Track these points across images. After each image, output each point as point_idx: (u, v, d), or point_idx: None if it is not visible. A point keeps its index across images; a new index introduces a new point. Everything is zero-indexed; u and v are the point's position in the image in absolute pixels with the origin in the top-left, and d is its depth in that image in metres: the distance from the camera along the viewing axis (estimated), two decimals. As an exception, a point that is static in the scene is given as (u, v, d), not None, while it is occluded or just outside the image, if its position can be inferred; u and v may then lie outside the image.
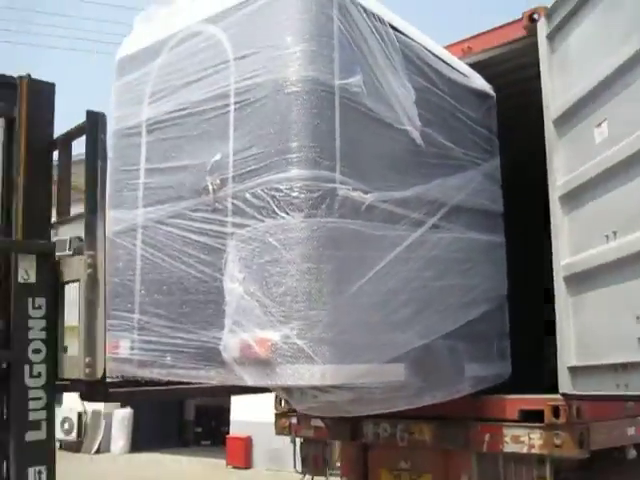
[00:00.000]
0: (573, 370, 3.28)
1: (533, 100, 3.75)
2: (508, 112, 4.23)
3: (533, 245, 4.90)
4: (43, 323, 2.42)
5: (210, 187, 2.95)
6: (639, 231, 2.77)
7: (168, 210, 3.15)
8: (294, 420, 4.51)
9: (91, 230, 2.43)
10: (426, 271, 3.28)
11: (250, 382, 2.70)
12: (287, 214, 2.71)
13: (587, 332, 3.22)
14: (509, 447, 3.50)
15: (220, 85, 3.03)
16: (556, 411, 3.35)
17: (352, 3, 3.04)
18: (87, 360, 2.34)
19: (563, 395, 3.33)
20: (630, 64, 2.86)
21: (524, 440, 3.46)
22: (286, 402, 4.06)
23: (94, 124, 2.49)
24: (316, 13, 2.89)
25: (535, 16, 3.80)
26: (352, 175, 2.89)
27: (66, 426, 12.32)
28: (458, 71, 3.83)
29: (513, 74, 4.25)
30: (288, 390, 2.82)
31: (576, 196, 3.34)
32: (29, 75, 2.58)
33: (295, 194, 2.71)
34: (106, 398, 2.57)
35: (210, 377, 2.84)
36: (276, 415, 4.66)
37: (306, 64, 2.83)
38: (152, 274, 3.16)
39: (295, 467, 4.67)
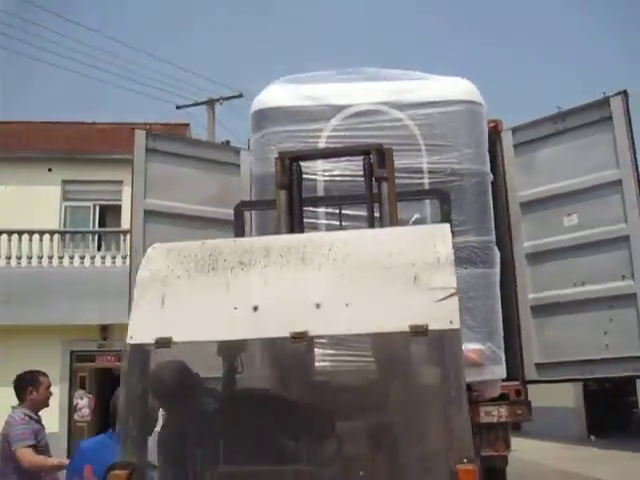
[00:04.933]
0: (538, 365, 5.18)
1: None
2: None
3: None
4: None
5: (415, 239, 3.97)
6: (601, 284, 4.85)
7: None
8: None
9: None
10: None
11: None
12: (484, 265, 4.00)
13: (549, 341, 5.16)
14: (484, 419, 5.22)
15: (412, 161, 4.07)
16: (518, 392, 5.22)
17: (484, 114, 4.43)
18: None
19: (529, 382, 5.20)
20: (601, 187, 4.92)
21: (495, 413, 5.23)
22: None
23: (441, 198, 3.38)
24: (481, 124, 4.24)
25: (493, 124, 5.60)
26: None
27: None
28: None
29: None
30: (482, 381, 4.04)
31: (540, 256, 5.24)
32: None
33: (487, 252, 4.05)
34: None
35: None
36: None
37: (482, 162, 4.19)
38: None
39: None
